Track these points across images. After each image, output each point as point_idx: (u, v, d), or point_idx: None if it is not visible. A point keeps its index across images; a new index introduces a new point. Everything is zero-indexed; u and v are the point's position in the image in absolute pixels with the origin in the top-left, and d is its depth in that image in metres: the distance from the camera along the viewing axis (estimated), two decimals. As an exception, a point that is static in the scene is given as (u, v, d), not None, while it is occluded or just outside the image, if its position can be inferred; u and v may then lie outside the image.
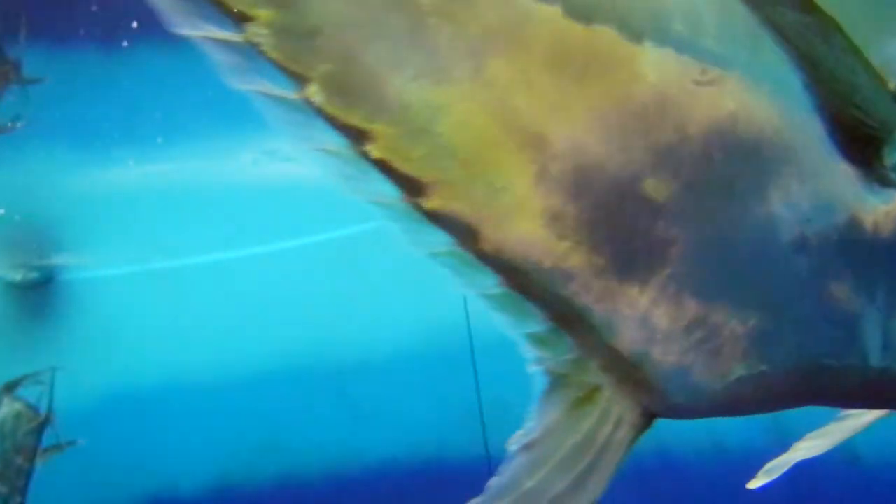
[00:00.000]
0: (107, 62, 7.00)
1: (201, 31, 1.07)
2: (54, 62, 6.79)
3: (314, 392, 7.62)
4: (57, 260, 8.21)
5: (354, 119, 1.09)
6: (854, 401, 1.40)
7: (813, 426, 1.70)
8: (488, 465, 7.45)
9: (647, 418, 1.22)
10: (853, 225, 1.17)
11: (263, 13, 1.06)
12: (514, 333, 1.20)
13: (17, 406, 5.73)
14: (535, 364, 1.22)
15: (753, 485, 1.70)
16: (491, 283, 1.16)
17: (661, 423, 1.23)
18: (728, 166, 1.14)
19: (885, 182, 1.18)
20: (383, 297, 7.58)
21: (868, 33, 1.14)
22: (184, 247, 7.98)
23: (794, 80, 1.14)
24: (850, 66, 1.11)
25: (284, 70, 1.08)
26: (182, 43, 1.07)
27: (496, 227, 1.12)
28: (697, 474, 6.36)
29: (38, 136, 6.87)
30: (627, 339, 1.16)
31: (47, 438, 5.78)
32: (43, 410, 5.72)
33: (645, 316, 1.15)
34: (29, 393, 5.81)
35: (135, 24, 6.42)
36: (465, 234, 1.13)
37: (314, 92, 1.08)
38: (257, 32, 1.06)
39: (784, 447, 1.73)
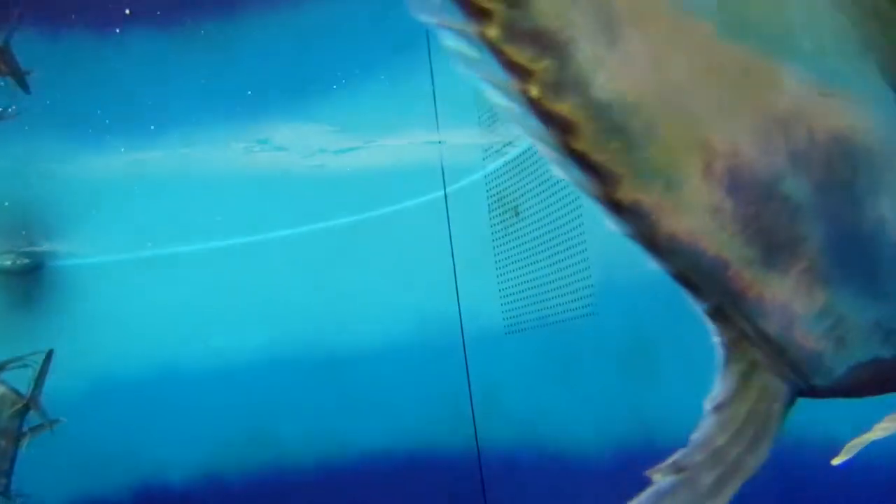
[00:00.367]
0: (99, 49, 6.98)
1: (440, 19, 1.21)
2: (46, 49, 6.77)
3: (306, 381, 7.63)
4: (47, 246, 8.19)
5: (564, 110, 1.23)
6: None
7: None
8: (477, 454, 7.50)
9: (795, 396, 1.36)
10: None
11: (497, 8, 1.21)
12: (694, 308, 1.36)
13: (1, 389, 5.75)
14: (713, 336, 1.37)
15: (837, 461, 1.80)
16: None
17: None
18: (847, 171, 1.29)
19: None
20: (375, 289, 7.59)
21: None
22: (175, 234, 7.97)
23: (893, 95, 1.30)
24: None
25: (511, 63, 1.22)
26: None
27: (672, 216, 1.28)
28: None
29: (29, 122, 6.85)
30: (773, 324, 1.32)
31: (34, 422, 5.81)
32: (26, 394, 5.74)
33: (785, 304, 1.31)
34: (19, 378, 5.81)
35: (127, 11, 6.39)
36: (645, 221, 1.28)
37: (533, 86, 1.22)
38: (491, 26, 1.20)
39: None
